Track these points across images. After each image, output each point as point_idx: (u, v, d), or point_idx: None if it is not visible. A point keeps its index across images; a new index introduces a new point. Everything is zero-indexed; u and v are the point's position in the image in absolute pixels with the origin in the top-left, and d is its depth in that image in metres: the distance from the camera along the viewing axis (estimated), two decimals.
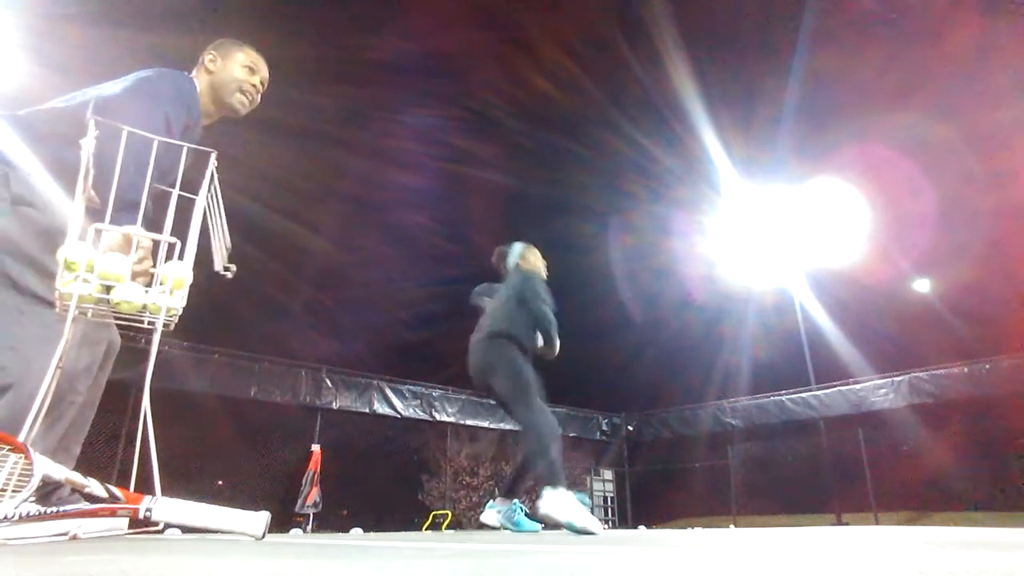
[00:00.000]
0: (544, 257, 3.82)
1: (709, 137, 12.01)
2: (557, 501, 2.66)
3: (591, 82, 12.49)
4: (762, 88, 12.18)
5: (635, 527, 10.48)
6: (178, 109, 1.87)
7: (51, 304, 1.53)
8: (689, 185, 13.57)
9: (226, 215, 1.70)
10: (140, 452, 1.41)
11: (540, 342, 3.30)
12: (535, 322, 3.27)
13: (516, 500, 3.33)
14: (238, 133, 8.59)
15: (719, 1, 11.51)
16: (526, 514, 3.32)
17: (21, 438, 1.33)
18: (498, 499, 3.35)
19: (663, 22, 10.98)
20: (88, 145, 1.48)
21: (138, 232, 1.55)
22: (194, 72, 2.11)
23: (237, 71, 2.11)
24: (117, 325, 1.76)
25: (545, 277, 3.60)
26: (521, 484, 3.38)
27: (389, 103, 12.31)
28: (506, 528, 3.25)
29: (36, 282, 1.64)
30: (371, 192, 13.36)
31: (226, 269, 1.60)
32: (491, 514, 3.31)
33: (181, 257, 1.59)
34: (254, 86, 2.15)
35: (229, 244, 1.65)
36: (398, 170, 13.08)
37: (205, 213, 1.64)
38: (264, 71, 2.20)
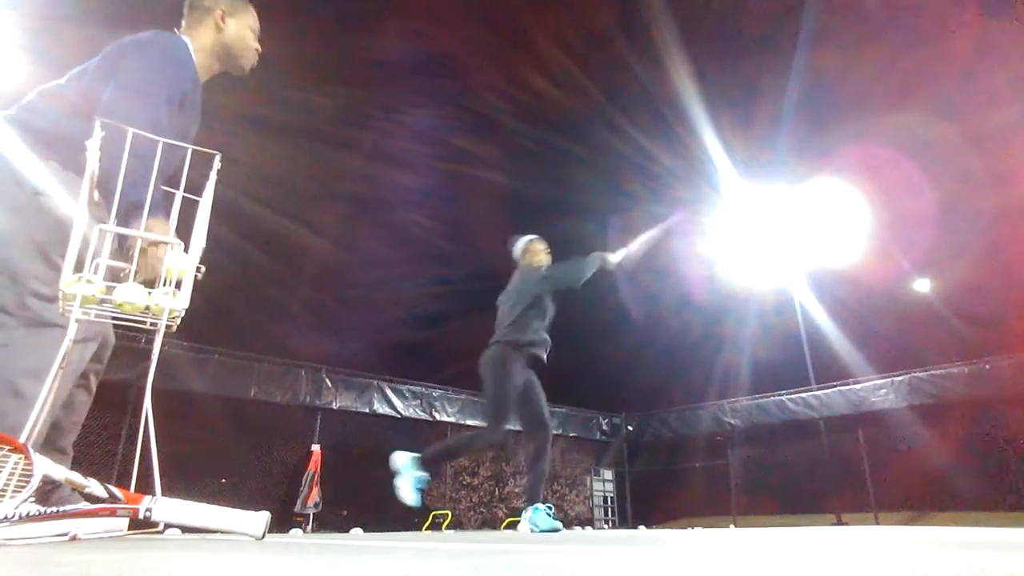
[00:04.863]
0: (545, 256, 3.87)
1: (709, 137, 11.99)
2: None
3: (591, 82, 12.49)
4: (762, 88, 12.17)
5: (635, 527, 10.47)
6: (174, 89, 1.81)
7: (51, 301, 1.53)
8: (689, 185, 13.55)
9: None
10: (141, 452, 1.41)
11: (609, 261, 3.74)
12: (570, 288, 3.69)
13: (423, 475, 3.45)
14: (238, 133, 8.59)
15: (719, 1, 11.51)
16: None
17: (21, 439, 1.33)
18: (416, 460, 3.46)
19: (663, 21, 10.97)
20: (94, 147, 1.48)
21: (142, 234, 1.55)
22: (185, 24, 2.01)
23: (248, 34, 2.05)
24: (119, 326, 1.75)
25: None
26: (440, 463, 3.69)
27: (389, 103, 12.30)
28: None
29: (38, 280, 1.63)
30: (371, 192, 13.36)
31: (197, 270, 1.60)
32: (405, 473, 3.41)
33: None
34: (258, 51, 2.11)
35: (203, 243, 1.65)
36: (398, 170, 13.08)
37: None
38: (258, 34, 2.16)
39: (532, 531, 3.23)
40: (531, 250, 3.89)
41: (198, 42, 1.99)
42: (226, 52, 2.03)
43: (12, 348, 1.58)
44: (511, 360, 3.43)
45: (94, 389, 1.92)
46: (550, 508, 3.36)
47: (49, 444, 1.72)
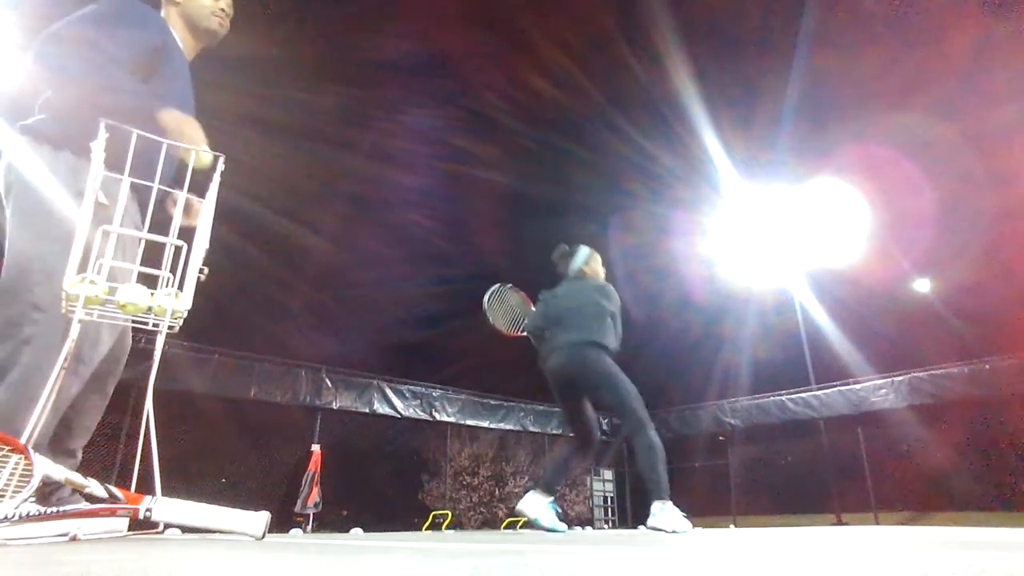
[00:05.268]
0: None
1: (709, 137, 12.01)
2: (669, 513, 2.94)
3: (591, 82, 12.49)
4: (762, 88, 12.18)
5: (635, 527, 10.47)
6: (123, 48, 1.80)
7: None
8: (689, 185, 13.56)
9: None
10: (141, 452, 1.41)
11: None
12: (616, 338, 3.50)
13: (552, 499, 3.36)
14: (238, 133, 8.59)
15: (719, 1, 11.51)
16: (557, 515, 3.35)
17: (22, 439, 1.33)
18: (539, 491, 3.34)
19: (663, 22, 10.98)
20: (99, 148, 1.48)
21: (144, 235, 1.56)
22: (163, 16, 2.05)
23: None
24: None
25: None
26: (562, 482, 3.53)
27: (389, 103, 12.31)
28: (537, 524, 3.25)
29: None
30: (371, 192, 13.36)
31: (200, 271, 1.60)
32: (533, 503, 3.28)
33: (187, 260, 1.59)
34: (223, 9, 2.12)
35: (207, 245, 1.65)
36: (398, 170, 13.08)
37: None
38: None
39: (536, 522, 3.25)
40: (598, 260, 3.75)
41: (172, 25, 2.03)
42: (191, 22, 2.06)
43: (36, 348, 1.57)
44: (605, 353, 3.35)
45: (110, 393, 1.91)
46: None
47: (58, 446, 1.71)
